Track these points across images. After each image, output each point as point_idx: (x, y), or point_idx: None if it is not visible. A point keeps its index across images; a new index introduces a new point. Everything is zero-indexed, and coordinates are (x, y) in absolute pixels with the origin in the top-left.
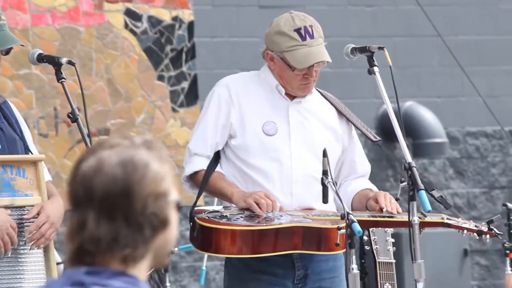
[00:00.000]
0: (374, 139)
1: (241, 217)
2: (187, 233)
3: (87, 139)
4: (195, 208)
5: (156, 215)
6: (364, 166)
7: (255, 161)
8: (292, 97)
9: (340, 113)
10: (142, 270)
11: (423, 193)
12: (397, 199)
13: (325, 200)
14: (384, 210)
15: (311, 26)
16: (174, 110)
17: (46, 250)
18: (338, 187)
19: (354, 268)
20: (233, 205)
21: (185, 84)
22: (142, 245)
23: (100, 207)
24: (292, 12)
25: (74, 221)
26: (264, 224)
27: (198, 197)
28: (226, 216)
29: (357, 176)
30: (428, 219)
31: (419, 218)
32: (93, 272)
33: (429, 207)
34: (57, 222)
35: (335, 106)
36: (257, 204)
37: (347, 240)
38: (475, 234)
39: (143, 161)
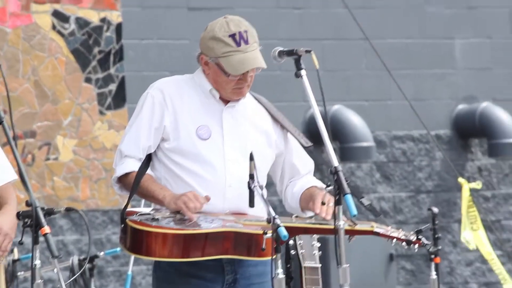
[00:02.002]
0: (305, 145)
1: (173, 220)
2: (113, 237)
3: (13, 142)
4: (126, 210)
5: None
6: (306, 165)
7: (189, 165)
8: (226, 101)
9: (273, 117)
10: None
11: (349, 198)
12: (323, 203)
13: (251, 204)
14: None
15: (245, 32)
16: (101, 112)
17: None
18: (285, 189)
19: (280, 273)
20: (164, 208)
21: (113, 87)
22: None
23: None
24: (227, 17)
25: None
26: (196, 228)
27: (129, 200)
28: (157, 219)
29: (301, 176)
30: (357, 227)
31: (349, 226)
32: None
33: (355, 212)
34: (11, 233)
35: (268, 110)
36: (186, 206)
37: (273, 244)
38: (403, 243)
39: None
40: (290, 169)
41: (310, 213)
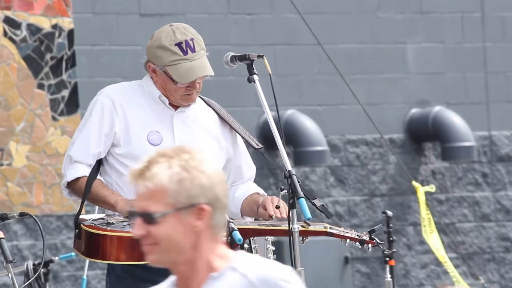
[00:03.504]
0: (256, 147)
1: (128, 224)
2: (68, 242)
3: None
4: (80, 217)
5: None
6: (250, 170)
7: None
8: (176, 106)
9: (223, 120)
10: None
11: (303, 201)
12: (277, 207)
13: None
14: (273, 217)
15: (192, 40)
16: (54, 118)
17: None
18: None
19: None
20: (116, 213)
21: (66, 93)
22: None
23: None
24: (172, 24)
25: None
26: None
27: (82, 205)
28: (112, 223)
29: (244, 181)
30: (311, 228)
31: (303, 227)
32: None
33: (309, 215)
34: None
35: (218, 113)
36: None
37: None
38: (357, 243)
39: None
40: (235, 173)
41: (248, 219)
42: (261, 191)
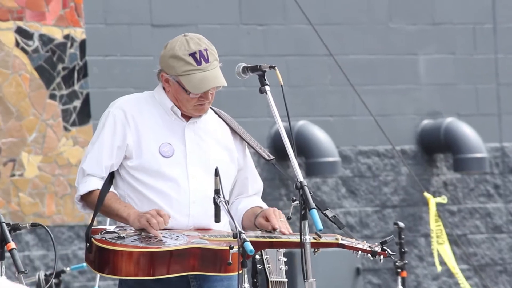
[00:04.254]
0: (268, 158)
1: (138, 238)
2: (79, 252)
3: None
4: (92, 228)
5: None
6: (255, 185)
7: (152, 182)
8: (187, 117)
9: (234, 131)
10: None
11: (314, 212)
12: (289, 218)
13: (217, 219)
14: (277, 230)
15: (206, 50)
16: (66, 129)
17: None
18: (230, 206)
19: (247, 287)
20: (128, 226)
21: (77, 103)
22: None
23: None
24: (186, 35)
25: None
26: (162, 246)
27: (93, 218)
28: (123, 237)
29: (249, 194)
30: (322, 240)
31: (314, 239)
32: None
33: (320, 226)
34: None
35: (229, 124)
36: (150, 224)
37: (239, 259)
38: (369, 254)
39: None
40: (240, 186)
41: (251, 232)
42: (264, 205)
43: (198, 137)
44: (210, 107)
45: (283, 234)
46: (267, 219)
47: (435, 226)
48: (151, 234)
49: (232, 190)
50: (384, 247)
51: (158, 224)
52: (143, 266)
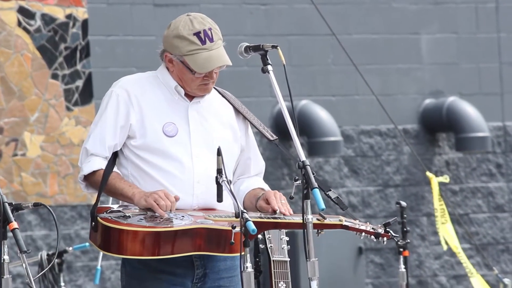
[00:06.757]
0: (271, 138)
1: (144, 217)
2: (82, 232)
3: None
4: (97, 207)
5: None
6: (258, 164)
7: (156, 161)
8: (190, 97)
9: (237, 111)
10: None
11: (317, 192)
12: (291, 198)
13: (219, 199)
14: (277, 211)
15: (210, 29)
16: (68, 108)
17: None
18: (232, 185)
19: (249, 266)
20: (132, 205)
21: (80, 83)
22: None
23: None
24: (190, 14)
25: None
26: (168, 226)
27: (98, 197)
28: (128, 216)
29: (251, 175)
30: (326, 221)
31: (318, 220)
32: None
33: (322, 206)
34: None
35: (232, 104)
36: (157, 204)
37: (241, 239)
38: (372, 236)
39: None
40: (243, 166)
41: (252, 213)
42: (266, 187)
43: (201, 117)
44: (214, 87)
45: (284, 215)
46: (267, 202)
47: (439, 205)
48: (157, 214)
49: (235, 170)
50: (387, 229)
51: (166, 206)
52: (149, 245)
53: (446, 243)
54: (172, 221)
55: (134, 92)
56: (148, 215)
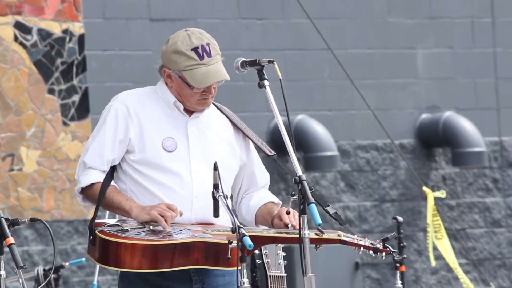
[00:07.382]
0: (269, 154)
1: (143, 231)
2: (78, 247)
3: None
4: (94, 222)
5: None
6: (263, 177)
7: (155, 176)
8: (190, 112)
9: (236, 126)
10: None
11: (313, 207)
12: (287, 213)
13: (216, 214)
14: (289, 226)
15: (208, 44)
16: (65, 123)
17: None
18: (240, 201)
19: (245, 282)
20: (130, 219)
21: (76, 98)
22: None
23: None
24: (188, 29)
25: None
26: (168, 239)
27: (96, 211)
28: (126, 229)
29: (258, 188)
30: (325, 236)
31: (317, 235)
32: None
33: (319, 221)
34: None
35: (231, 119)
36: (163, 216)
37: (238, 254)
38: (371, 251)
39: None
40: (248, 180)
41: (263, 227)
42: (275, 199)
43: (200, 132)
44: (213, 103)
45: (295, 228)
46: (281, 219)
47: (433, 220)
48: (157, 228)
49: (240, 186)
50: (385, 244)
51: (171, 218)
52: (147, 258)
53: (439, 258)
54: (171, 235)
55: (134, 106)
56: (146, 228)
